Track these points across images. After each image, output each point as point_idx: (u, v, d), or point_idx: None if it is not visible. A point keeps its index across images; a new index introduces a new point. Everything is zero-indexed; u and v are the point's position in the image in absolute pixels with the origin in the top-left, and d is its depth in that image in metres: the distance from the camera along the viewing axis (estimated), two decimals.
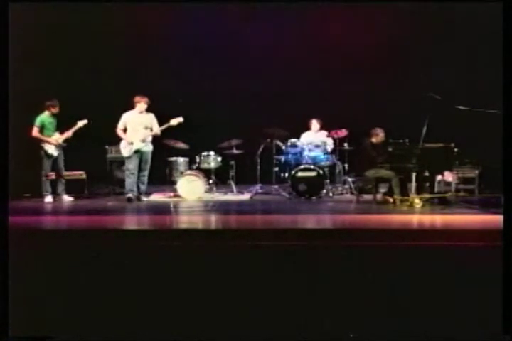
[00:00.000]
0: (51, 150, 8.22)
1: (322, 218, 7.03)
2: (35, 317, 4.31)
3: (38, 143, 8.20)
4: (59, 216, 7.42)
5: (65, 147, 8.37)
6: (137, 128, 8.14)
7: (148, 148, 8.23)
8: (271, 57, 9.74)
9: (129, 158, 8.16)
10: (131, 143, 8.09)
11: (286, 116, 9.22)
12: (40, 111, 8.27)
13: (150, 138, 8.22)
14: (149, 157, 8.25)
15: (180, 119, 8.16)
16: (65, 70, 9.25)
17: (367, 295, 4.53)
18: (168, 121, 8.17)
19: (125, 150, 8.17)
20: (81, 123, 8.34)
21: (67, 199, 8.39)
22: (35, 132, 8.17)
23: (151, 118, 8.24)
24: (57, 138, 8.28)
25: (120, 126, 8.17)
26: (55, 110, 8.27)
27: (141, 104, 8.11)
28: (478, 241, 5.11)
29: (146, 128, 8.18)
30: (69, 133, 8.34)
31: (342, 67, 9.58)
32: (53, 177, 8.39)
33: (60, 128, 8.37)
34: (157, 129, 8.19)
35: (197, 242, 5.36)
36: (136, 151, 8.14)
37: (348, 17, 9.58)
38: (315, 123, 9.00)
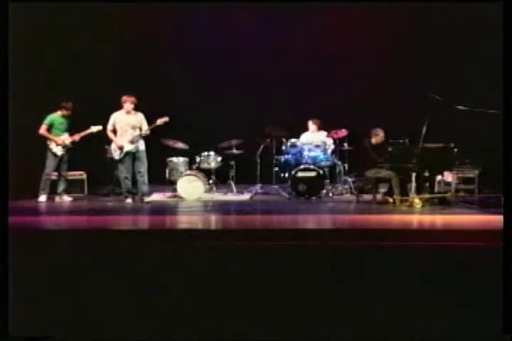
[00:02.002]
0: (55, 149, 8.23)
1: (322, 218, 7.03)
2: (35, 317, 4.30)
3: (44, 141, 8.21)
4: (59, 216, 7.41)
5: (71, 148, 8.34)
6: (125, 128, 8.06)
7: (139, 148, 8.09)
8: (271, 57, 9.74)
9: (120, 161, 8.12)
10: (121, 147, 8.03)
11: (286, 116, 9.22)
12: (51, 111, 8.29)
13: (140, 139, 8.12)
14: (143, 156, 8.11)
15: (166, 119, 8.04)
16: (65, 70, 9.24)
17: (367, 295, 4.53)
18: (154, 121, 8.10)
19: (116, 153, 8.10)
20: (94, 129, 8.33)
21: (66, 199, 8.39)
22: (42, 130, 8.19)
23: (139, 118, 8.13)
24: (65, 138, 8.28)
25: (109, 126, 8.10)
26: (66, 112, 8.26)
27: (127, 104, 8.00)
28: (478, 241, 5.11)
29: (134, 128, 8.07)
30: (77, 136, 8.33)
31: (342, 67, 9.59)
32: (54, 177, 8.39)
33: (71, 129, 8.38)
34: (145, 129, 8.11)
35: (197, 242, 5.36)
36: (127, 153, 8.07)
37: (348, 17, 9.58)
38: (311, 124, 9.01)
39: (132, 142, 8.03)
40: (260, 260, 4.84)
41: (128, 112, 8.07)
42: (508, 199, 4.65)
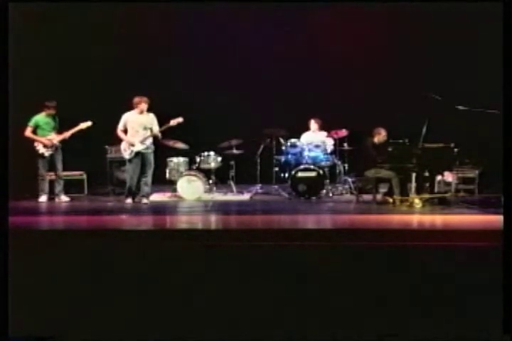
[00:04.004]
0: (42, 150, 8.20)
1: (322, 218, 7.03)
2: (35, 317, 4.30)
3: (31, 143, 8.19)
4: (59, 216, 7.41)
5: (59, 147, 8.28)
6: (136, 128, 8.02)
7: (149, 149, 8.09)
8: (271, 57, 9.73)
9: (129, 160, 8.09)
10: (132, 145, 8.01)
11: (286, 116, 9.22)
12: (40, 111, 8.26)
13: (150, 140, 8.10)
14: (151, 158, 8.09)
15: (180, 120, 8.05)
16: (65, 70, 9.24)
17: (367, 295, 4.53)
18: (167, 121, 8.10)
19: (126, 152, 8.07)
20: (84, 125, 8.26)
21: (64, 199, 8.38)
22: (27, 132, 8.17)
23: (151, 119, 8.10)
24: (52, 138, 8.25)
25: (120, 126, 8.05)
26: (50, 111, 8.23)
27: (142, 105, 7.95)
28: (478, 241, 5.11)
29: (145, 129, 8.03)
30: (66, 135, 8.30)
31: (342, 67, 9.58)
32: (52, 177, 8.39)
33: (63, 128, 8.34)
34: (157, 130, 8.08)
35: (197, 242, 5.37)
36: (137, 153, 8.04)
37: (349, 17, 9.57)
38: (313, 123, 9.02)
39: (143, 142, 8.00)
40: (260, 260, 4.84)
41: (141, 112, 8.03)
42: (508, 199, 4.65)
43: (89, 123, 8.27)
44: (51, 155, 8.27)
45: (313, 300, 4.50)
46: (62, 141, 8.32)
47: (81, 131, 8.32)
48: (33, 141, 8.19)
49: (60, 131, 8.32)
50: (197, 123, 9.30)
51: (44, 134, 8.23)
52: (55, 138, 8.27)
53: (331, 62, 9.64)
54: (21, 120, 8.10)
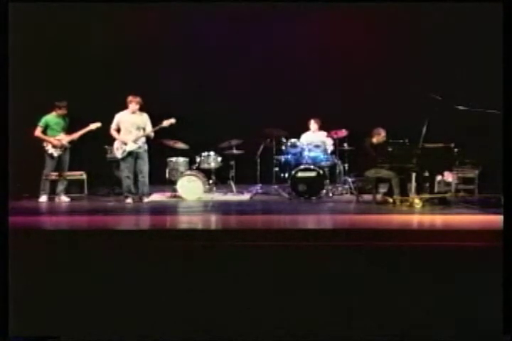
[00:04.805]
0: (51, 150, 8.21)
1: (322, 218, 7.03)
2: (35, 317, 4.30)
3: (40, 143, 8.20)
4: (59, 216, 7.41)
5: (67, 148, 8.29)
6: (129, 128, 8.02)
7: (142, 148, 8.07)
8: (271, 57, 9.74)
9: (122, 160, 8.09)
10: (125, 144, 8.00)
11: (286, 116, 9.22)
12: (49, 111, 8.26)
13: (143, 139, 8.09)
14: (145, 157, 8.08)
15: (173, 120, 8.03)
16: (65, 70, 9.24)
17: (366, 295, 4.53)
18: (160, 122, 8.08)
19: (118, 152, 8.07)
20: (93, 126, 8.26)
21: (64, 199, 8.38)
22: (37, 132, 8.18)
23: (144, 119, 8.10)
24: (61, 138, 8.26)
25: (113, 126, 8.05)
26: (61, 111, 8.24)
27: (133, 104, 7.97)
28: (478, 241, 5.11)
29: (138, 128, 8.03)
30: (75, 135, 8.32)
31: (342, 67, 9.58)
32: (54, 177, 8.39)
33: (72, 129, 8.36)
34: (149, 130, 8.09)
35: (197, 242, 5.37)
36: (130, 153, 8.04)
37: (348, 17, 9.57)
38: (313, 123, 9.02)
39: (136, 142, 8.00)
40: (260, 260, 4.84)
41: (133, 112, 8.03)
42: (508, 199, 4.65)
43: (98, 124, 8.28)
44: (59, 156, 8.28)
45: (313, 300, 4.50)
46: (71, 142, 8.34)
47: (90, 131, 8.34)
48: (41, 140, 8.20)
49: (67, 131, 8.34)
50: (197, 123, 9.30)
51: (54, 134, 8.24)
52: (65, 138, 8.28)
53: (331, 62, 9.64)
54: (20, 120, 8.07)
